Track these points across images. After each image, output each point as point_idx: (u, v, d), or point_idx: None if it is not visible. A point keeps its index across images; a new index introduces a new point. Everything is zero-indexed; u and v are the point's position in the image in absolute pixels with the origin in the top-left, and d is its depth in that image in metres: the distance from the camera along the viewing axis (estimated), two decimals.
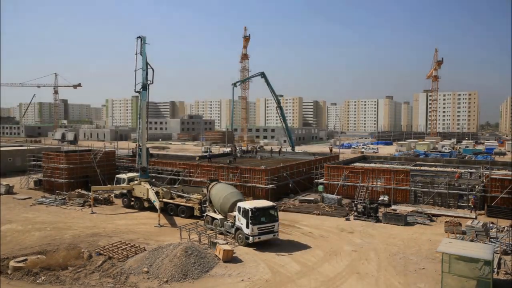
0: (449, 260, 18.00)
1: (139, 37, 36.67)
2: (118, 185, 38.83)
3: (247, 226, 24.88)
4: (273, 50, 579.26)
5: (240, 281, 19.93)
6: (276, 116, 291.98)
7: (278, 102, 75.32)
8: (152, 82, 37.33)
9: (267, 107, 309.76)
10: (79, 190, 41.30)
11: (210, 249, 23.80)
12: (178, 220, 32.08)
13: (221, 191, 29.40)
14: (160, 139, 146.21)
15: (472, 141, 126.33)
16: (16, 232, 28.50)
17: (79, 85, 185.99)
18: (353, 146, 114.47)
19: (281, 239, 26.70)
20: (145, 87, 36.81)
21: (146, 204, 36.04)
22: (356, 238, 27.58)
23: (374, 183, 38.75)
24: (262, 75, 72.93)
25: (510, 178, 34.71)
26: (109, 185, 40.60)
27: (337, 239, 27.47)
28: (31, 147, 63.69)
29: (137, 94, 38.24)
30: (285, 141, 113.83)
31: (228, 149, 73.47)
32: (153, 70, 37.24)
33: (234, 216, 26.44)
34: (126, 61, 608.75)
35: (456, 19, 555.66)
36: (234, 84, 73.29)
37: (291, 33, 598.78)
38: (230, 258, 22.53)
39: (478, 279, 17.40)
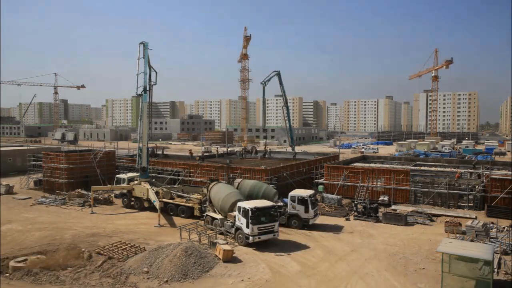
0: (449, 260, 17.99)
1: (142, 43, 37.49)
2: (118, 185, 38.86)
3: (247, 226, 24.88)
4: (273, 50, 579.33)
5: (240, 281, 19.92)
6: (276, 116, 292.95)
7: (286, 102, 76.36)
8: (156, 83, 38.50)
9: (267, 107, 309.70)
10: (79, 190, 41.27)
11: (210, 249, 23.78)
12: (178, 220, 32.07)
13: (221, 191, 29.40)
14: (160, 139, 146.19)
15: (472, 141, 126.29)
16: (16, 232, 28.50)
17: (83, 86, 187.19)
18: (353, 146, 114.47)
19: (281, 239, 26.69)
20: (146, 90, 37.50)
21: (146, 204, 36.04)
22: (356, 238, 27.58)
23: (374, 183, 38.75)
24: (278, 74, 74.99)
25: (510, 178, 34.71)
26: (109, 185, 40.60)
27: (337, 239, 27.47)
28: (31, 147, 63.66)
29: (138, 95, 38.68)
30: (285, 141, 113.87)
31: (230, 149, 73.97)
32: (156, 73, 38.59)
33: (234, 216, 26.44)
34: (127, 61, 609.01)
35: (456, 19, 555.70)
36: (264, 83, 74.39)
37: (291, 33, 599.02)
38: (230, 258, 22.52)
39: (478, 279, 17.40)
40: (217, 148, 75.71)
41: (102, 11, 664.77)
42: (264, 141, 67.45)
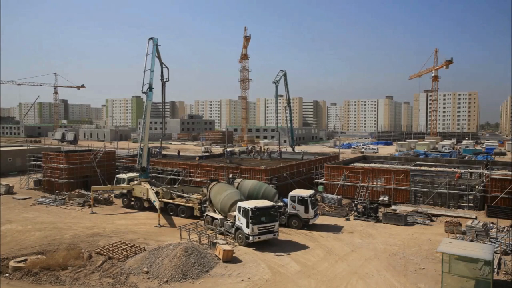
0: (449, 260, 17.99)
1: (151, 38, 37.18)
2: (118, 185, 38.84)
3: (247, 226, 24.88)
4: (273, 50, 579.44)
5: (240, 281, 19.93)
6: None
7: (289, 102, 77.40)
8: (168, 80, 38.85)
9: (267, 107, 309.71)
10: (79, 190, 41.30)
11: (210, 249, 23.80)
12: (178, 220, 32.08)
13: (221, 191, 29.40)
14: (160, 139, 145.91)
15: (472, 141, 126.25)
16: (16, 232, 28.50)
17: (83, 86, 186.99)
18: (353, 146, 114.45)
19: (281, 239, 26.69)
20: (151, 87, 37.00)
21: (146, 204, 36.04)
22: (356, 238, 27.58)
23: (374, 183, 38.75)
24: (284, 74, 76.87)
25: (510, 178, 34.71)
26: (109, 185, 40.60)
27: (337, 239, 27.47)
28: (31, 147, 63.64)
29: (143, 94, 37.65)
30: (285, 141, 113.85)
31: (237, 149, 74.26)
32: (168, 69, 38.76)
33: (234, 216, 26.44)
34: (127, 61, 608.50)
35: (456, 19, 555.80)
36: (276, 82, 75.49)
37: (290, 33, 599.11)
38: (230, 258, 22.53)
39: (478, 279, 17.40)
40: (238, 147, 75.95)
41: (102, 10, 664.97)
42: (271, 141, 67.77)
